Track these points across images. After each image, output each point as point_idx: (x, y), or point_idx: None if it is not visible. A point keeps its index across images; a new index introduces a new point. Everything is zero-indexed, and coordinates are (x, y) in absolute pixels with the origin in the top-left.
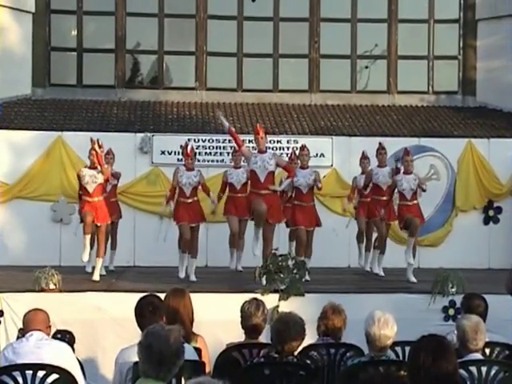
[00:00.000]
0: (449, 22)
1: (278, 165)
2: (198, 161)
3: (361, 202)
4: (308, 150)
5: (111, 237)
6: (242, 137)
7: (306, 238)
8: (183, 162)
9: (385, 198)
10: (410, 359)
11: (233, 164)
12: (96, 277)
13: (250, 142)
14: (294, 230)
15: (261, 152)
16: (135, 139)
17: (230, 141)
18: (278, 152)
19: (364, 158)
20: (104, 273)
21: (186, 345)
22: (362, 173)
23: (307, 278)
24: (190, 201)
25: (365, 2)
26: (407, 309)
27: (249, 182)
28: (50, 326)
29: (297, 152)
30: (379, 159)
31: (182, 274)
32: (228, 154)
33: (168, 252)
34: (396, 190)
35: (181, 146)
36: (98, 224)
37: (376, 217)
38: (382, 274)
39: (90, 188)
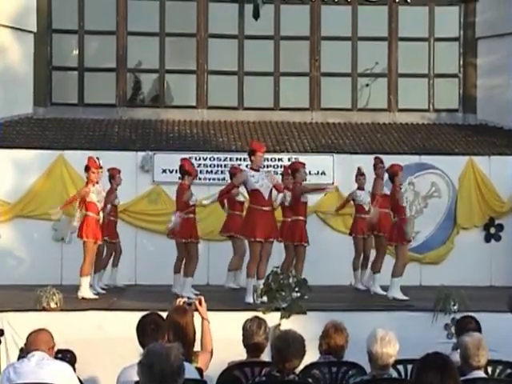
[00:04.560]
0: (449, 40)
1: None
2: (200, 179)
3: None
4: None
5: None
6: (239, 155)
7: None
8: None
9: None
10: (417, 377)
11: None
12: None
13: (244, 159)
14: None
15: (257, 170)
16: (136, 158)
17: (230, 159)
18: (278, 170)
19: (360, 174)
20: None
21: (186, 363)
22: (358, 188)
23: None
24: (186, 217)
25: (365, 20)
26: (409, 327)
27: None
28: (53, 347)
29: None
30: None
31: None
32: None
33: (170, 270)
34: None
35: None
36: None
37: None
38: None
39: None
